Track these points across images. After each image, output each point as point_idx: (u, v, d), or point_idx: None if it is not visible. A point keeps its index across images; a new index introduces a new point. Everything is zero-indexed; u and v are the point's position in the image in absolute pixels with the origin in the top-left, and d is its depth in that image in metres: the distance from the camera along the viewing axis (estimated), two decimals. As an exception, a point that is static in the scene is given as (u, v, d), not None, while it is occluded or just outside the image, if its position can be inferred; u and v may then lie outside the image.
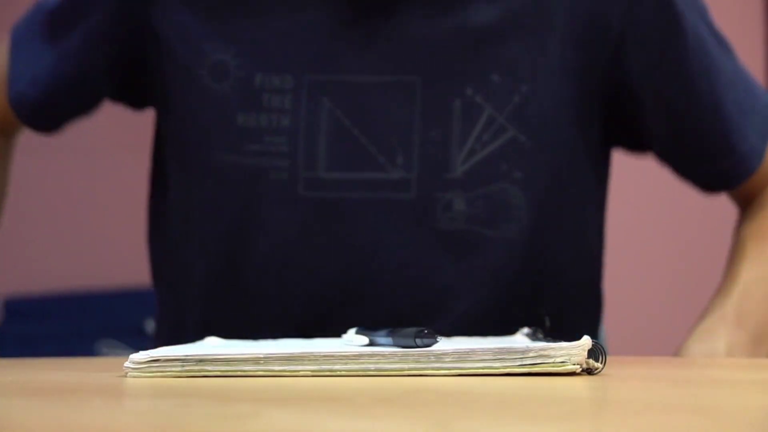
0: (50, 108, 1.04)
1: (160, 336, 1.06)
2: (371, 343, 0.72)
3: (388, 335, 0.69)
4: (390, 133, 0.96)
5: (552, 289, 0.99)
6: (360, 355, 0.63)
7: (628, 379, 0.61)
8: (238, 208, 0.98)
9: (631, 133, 1.02)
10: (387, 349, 0.64)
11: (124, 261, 3.03)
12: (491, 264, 0.96)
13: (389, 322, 0.92)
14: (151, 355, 0.64)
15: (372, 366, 0.62)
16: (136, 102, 1.07)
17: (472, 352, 0.62)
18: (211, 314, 0.98)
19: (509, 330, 0.88)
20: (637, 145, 1.03)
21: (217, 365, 0.63)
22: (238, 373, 0.63)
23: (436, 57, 0.96)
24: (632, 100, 0.99)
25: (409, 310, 0.96)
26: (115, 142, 2.52)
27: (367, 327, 0.75)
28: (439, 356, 0.62)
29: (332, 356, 0.63)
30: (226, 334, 0.88)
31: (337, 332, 0.83)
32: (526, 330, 0.85)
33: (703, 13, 0.99)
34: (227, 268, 0.99)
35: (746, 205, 1.04)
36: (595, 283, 1.04)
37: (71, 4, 1.02)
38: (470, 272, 0.96)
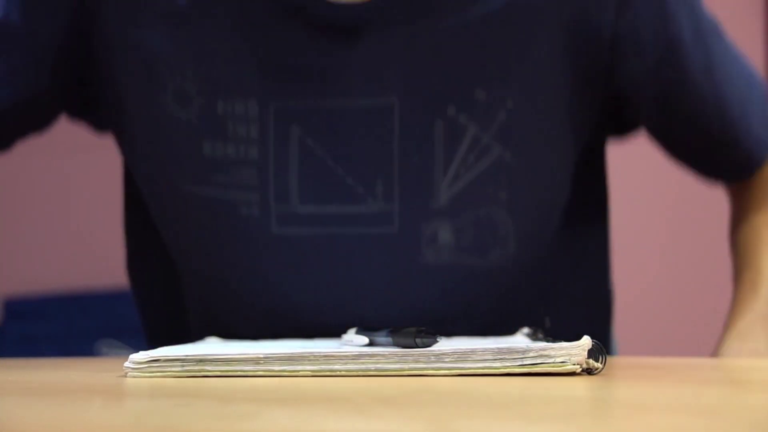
0: None
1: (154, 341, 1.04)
2: (371, 343, 0.72)
3: (388, 335, 0.68)
4: (368, 161, 0.88)
5: (550, 306, 0.96)
6: (360, 355, 0.63)
7: (628, 379, 0.61)
8: (213, 245, 0.91)
9: (628, 130, 1.00)
10: (387, 349, 0.64)
11: (124, 261, 3.03)
12: (482, 294, 0.91)
13: None
14: (151, 355, 0.64)
15: (372, 366, 0.62)
16: (96, 124, 1.00)
17: (472, 352, 0.62)
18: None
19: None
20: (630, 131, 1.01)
21: (217, 365, 0.63)
22: (238, 373, 0.63)
23: (413, 76, 0.88)
24: (630, 106, 0.95)
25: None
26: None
27: (367, 327, 0.75)
28: (439, 356, 0.62)
29: (332, 356, 0.63)
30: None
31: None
32: (526, 330, 0.85)
33: (694, 5, 0.94)
34: (207, 307, 0.94)
35: (739, 191, 1.02)
36: (600, 292, 1.01)
37: (17, 20, 0.92)
38: (460, 305, 0.91)
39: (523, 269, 0.92)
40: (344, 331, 0.81)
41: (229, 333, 0.89)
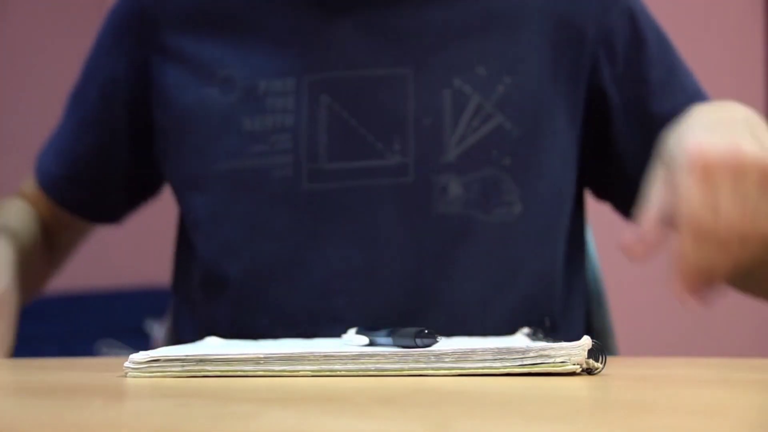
0: (80, 183, 1.08)
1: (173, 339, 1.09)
2: (371, 344, 0.72)
3: (388, 335, 0.69)
4: (386, 121, 1.00)
5: (543, 274, 1.01)
6: (360, 356, 0.63)
7: (628, 379, 0.61)
8: (242, 213, 1.01)
9: (598, 145, 1.05)
10: (387, 349, 0.64)
11: (124, 261, 3.03)
12: (484, 250, 0.99)
13: (386, 311, 0.95)
14: (151, 355, 0.64)
15: (372, 366, 0.63)
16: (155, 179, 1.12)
17: (472, 352, 0.62)
18: (238, 315, 1.00)
19: (502, 320, 0.89)
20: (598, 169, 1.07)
21: (217, 365, 0.63)
22: (238, 373, 0.63)
23: (425, 50, 1.00)
24: (606, 109, 1.03)
25: (404, 298, 0.97)
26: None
27: (367, 327, 0.75)
28: (439, 356, 0.62)
29: (332, 356, 0.63)
30: (248, 332, 0.92)
31: (340, 326, 0.84)
32: (526, 330, 0.85)
33: (654, 20, 1.05)
34: (239, 273, 1.00)
35: None
36: (581, 272, 1.08)
37: (85, 74, 1.08)
38: (468, 256, 0.99)
39: (526, 234, 0.98)
40: (364, 274, 0.96)
41: (254, 299, 0.99)
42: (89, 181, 1.09)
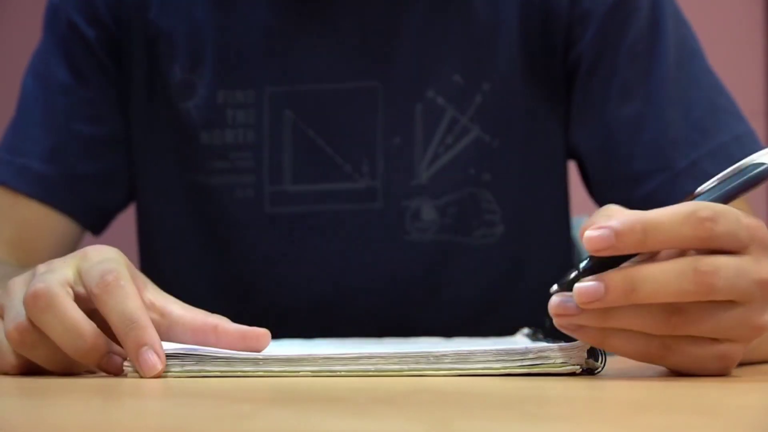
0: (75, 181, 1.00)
1: None
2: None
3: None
4: (354, 141, 0.94)
5: (531, 292, 0.97)
6: (360, 357, 0.63)
7: (628, 379, 0.61)
8: (207, 230, 0.96)
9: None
10: (386, 351, 0.64)
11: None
12: (466, 276, 0.94)
13: (364, 335, 0.91)
14: (151, 355, 0.64)
15: (372, 367, 0.62)
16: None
17: (472, 353, 0.62)
18: None
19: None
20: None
21: (217, 365, 0.63)
22: (238, 373, 0.63)
23: (395, 61, 0.94)
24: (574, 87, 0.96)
25: (384, 324, 0.93)
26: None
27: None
28: (439, 357, 0.62)
29: (331, 358, 0.63)
30: None
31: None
32: (526, 330, 0.85)
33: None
34: (202, 292, 0.97)
35: None
36: None
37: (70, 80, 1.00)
38: (444, 281, 0.94)
39: (511, 251, 0.93)
40: (334, 305, 0.88)
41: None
42: (83, 177, 1.01)
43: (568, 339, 0.62)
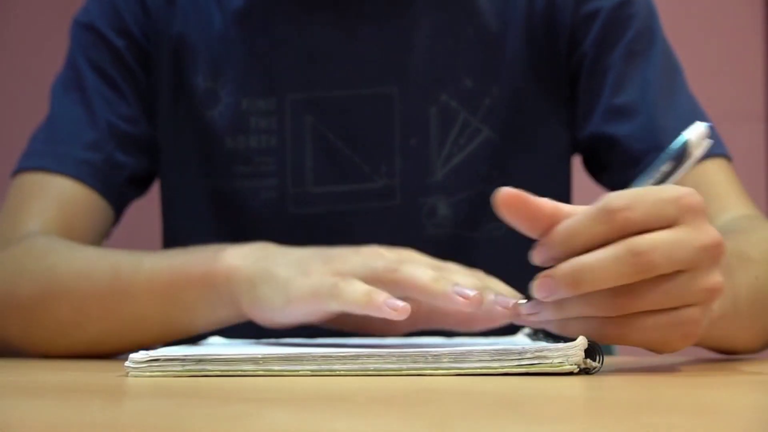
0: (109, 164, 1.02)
1: None
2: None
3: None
4: (372, 143, 0.99)
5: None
6: (359, 355, 0.63)
7: (627, 378, 0.61)
8: (231, 231, 0.99)
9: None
10: (385, 349, 0.64)
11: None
12: (476, 265, 0.97)
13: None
14: (151, 354, 0.64)
15: (371, 366, 0.63)
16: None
17: (470, 352, 0.62)
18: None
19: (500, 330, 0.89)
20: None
21: (217, 365, 0.63)
22: (238, 373, 0.63)
23: (411, 68, 0.99)
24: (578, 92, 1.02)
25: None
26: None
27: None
28: (437, 357, 0.62)
29: (331, 356, 0.63)
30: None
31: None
32: (526, 330, 0.85)
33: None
34: None
35: None
36: None
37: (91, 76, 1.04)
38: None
39: (520, 246, 0.96)
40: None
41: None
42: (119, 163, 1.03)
43: (567, 339, 0.62)
